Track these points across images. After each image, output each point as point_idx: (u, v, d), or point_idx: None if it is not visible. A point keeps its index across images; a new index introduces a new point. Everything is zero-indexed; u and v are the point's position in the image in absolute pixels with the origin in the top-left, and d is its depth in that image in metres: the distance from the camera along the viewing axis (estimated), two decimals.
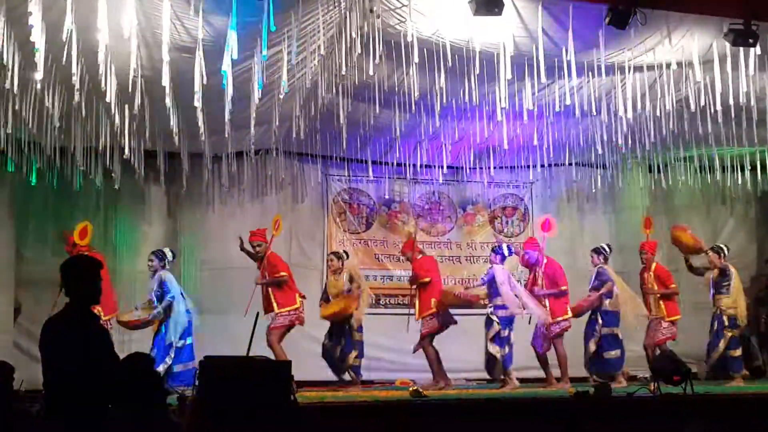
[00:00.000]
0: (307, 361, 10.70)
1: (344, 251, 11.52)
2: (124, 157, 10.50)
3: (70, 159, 10.91)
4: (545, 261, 11.21)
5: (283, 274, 10.63)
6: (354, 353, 10.69)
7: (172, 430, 5.17)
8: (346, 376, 10.87)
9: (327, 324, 10.97)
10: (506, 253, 10.99)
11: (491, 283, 10.66)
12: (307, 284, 11.19)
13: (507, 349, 10.55)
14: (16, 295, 11.46)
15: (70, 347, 4.89)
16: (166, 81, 7.72)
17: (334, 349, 10.79)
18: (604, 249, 11.41)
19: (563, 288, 11.05)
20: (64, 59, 7.36)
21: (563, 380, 10.79)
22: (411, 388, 9.26)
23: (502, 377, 10.63)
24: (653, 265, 11.51)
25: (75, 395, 4.84)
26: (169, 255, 10.96)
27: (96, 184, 11.50)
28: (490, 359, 10.64)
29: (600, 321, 11.05)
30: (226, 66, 7.43)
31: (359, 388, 10.60)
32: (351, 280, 10.87)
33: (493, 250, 11.11)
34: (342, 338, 10.77)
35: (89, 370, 4.85)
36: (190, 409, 5.88)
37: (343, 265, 11.03)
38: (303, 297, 10.75)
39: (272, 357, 9.84)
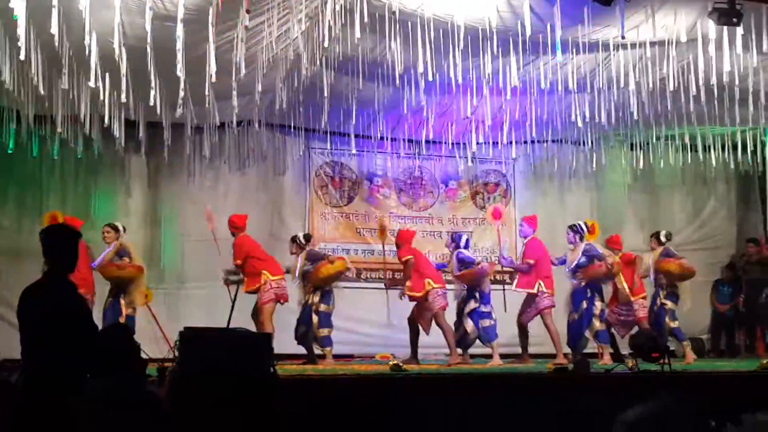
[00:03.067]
0: (289, 334, 10.71)
1: (305, 235, 11.36)
2: (104, 126, 10.41)
3: (49, 127, 10.84)
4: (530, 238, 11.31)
5: (238, 262, 10.65)
6: (315, 320, 10.61)
7: (150, 401, 5.16)
8: (319, 350, 10.76)
9: None
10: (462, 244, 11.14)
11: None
12: (288, 256, 11.16)
13: None
14: None
15: (47, 316, 4.87)
16: (149, 49, 7.67)
17: (299, 324, 10.81)
18: (581, 227, 11.36)
19: (529, 261, 11.04)
20: (47, 26, 7.28)
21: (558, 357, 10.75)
22: (391, 362, 9.27)
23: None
24: (617, 256, 11.46)
25: (52, 365, 4.83)
26: (121, 228, 10.88)
27: (76, 152, 11.42)
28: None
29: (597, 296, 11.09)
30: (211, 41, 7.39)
31: (333, 360, 10.60)
32: (309, 258, 10.84)
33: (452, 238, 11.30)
34: (303, 311, 10.78)
35: (66, 339, 4.84)
36: (169, 379, 5.87)
37: (301, 248, 10.96)
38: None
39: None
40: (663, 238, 11.60)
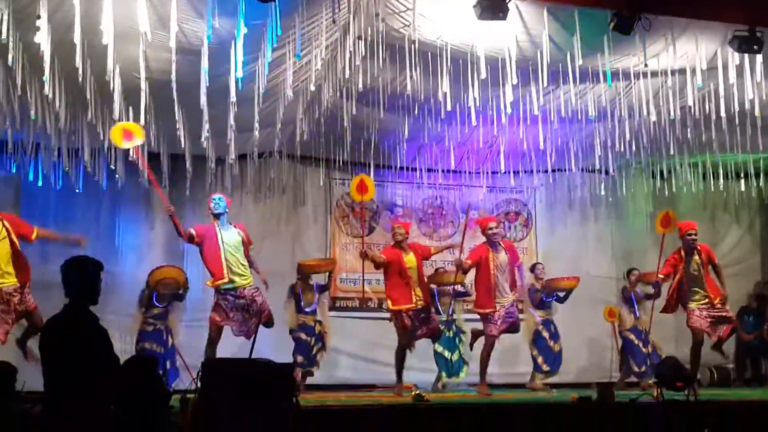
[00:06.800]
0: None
1: None
2: (129, 159, 10.50)
3: (74, 160, 10.94)
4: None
5: None
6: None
7: None
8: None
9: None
10: None
11: None
12: None
13: None
14: None
15: (69, 348, 4.88)
16: (173, 83, 7.77)
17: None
18: None
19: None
20: (72, 60, 7.39)
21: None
22: (413, 392, 9.22)
23: None
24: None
25: (75, 396, 4.84)
26: None
27: (100, 185, 11.53)
28: None
29: None
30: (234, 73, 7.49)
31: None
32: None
33: None
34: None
35: (89, 371, 4.85)
36: (191, 411, 5.88)
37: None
38: None
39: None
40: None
